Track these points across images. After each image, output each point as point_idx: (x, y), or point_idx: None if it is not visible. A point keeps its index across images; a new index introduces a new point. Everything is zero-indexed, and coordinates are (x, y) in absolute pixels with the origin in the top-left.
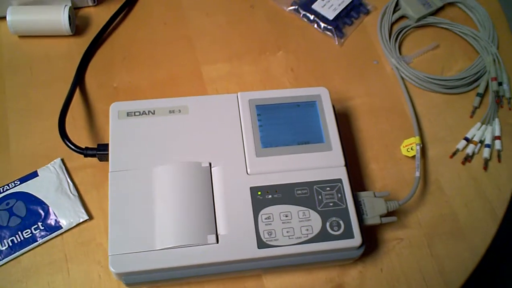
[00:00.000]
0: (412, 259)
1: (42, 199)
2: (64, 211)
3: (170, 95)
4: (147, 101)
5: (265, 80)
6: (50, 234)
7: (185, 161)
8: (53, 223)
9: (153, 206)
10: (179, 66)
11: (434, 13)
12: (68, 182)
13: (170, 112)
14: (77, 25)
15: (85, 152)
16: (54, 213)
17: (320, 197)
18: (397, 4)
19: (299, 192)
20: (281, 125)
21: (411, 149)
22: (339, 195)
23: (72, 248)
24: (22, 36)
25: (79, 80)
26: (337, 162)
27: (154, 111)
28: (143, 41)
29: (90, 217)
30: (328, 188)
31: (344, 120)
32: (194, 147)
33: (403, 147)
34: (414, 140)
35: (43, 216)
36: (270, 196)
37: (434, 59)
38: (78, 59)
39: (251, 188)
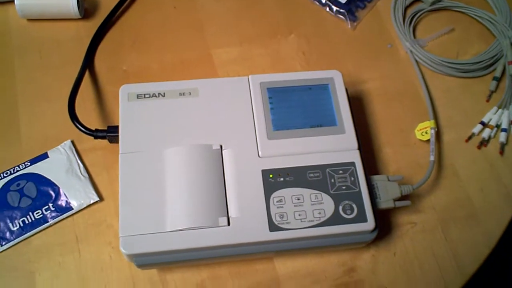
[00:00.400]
0: (426, 244)
1: (53, 180)
2: (75, 193)
3: (180, 79)
4: (157, 84)
5: (276, 63)
6: (61, 215)
7: (196, 143)
8: (63, 204)
9: (164, 188)
10: (189, 49)
11: None
12: (78, 163)
13: (180, 94)
14: (86, 8)
15: (95, 134)
16: (64, 194)
17: (332, 180)
18: None
19: (312, 175)
20: (293, 108)
21: (426, 133)
22: (352, 178)
23: (82, 229)
24: (31, 20)
25: (88, 63)
26: (350, 145)
27: (164, 93)
28: (152, 25)
29: (101, 198)
30: (341, 171)
31: (357, 104)
32: (204, 130)
33: (418, 130)
34: (429, 124)
35: (53, 197)
36: (282, 179)
37: (449, 42)
38: (87, 42)
39: (262, 171)
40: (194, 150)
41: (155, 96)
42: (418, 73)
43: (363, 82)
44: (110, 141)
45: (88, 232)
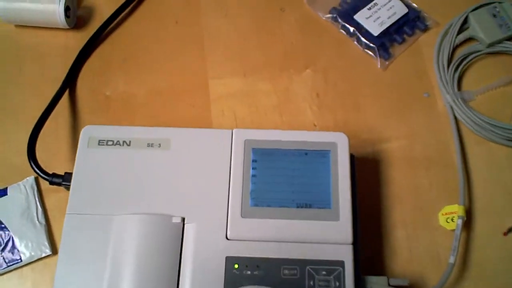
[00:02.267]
0: None
1: (5, 224)
2: (27, 242)
3: (167, 111)
4: (124, 129)
5: (283, 104)
6: (8, 266)
7: (154, 211)
8: (12, 255)
9: (106, 264)
10: (184, 75)
11: None
12: (37, 207)
13: (148, 145)
14: (80, 16)
15: (51, 179)
16: (14, 243)
17: (312, 282)
18: (465, 22)
19: (287, 272)
20: (280, 178)
21: (452, 220)
22: (337, 283)
23: (29, 285)
24: (19, 26)
25: (69, 84)
26: (343, 237)
27: (130, 142)
28: (148, 41)
29: (54, 251)
30: (324, 272)
31: (372, 168)
32: (169, 195)
33: (442, 214)
34: (457, 210)
35: (2, 245)
36: (249, 272)
37: (503, 98)
38: (73, 57)
39: (227, 258)
40: (148, 221)
41: (119, 144)
42: (455, 135)
43: (385, 140)
44: (67, 190)
45: None
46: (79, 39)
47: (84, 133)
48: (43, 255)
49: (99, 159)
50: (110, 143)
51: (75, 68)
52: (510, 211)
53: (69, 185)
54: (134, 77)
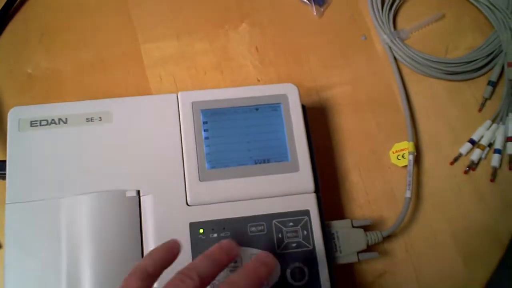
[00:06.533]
0: None
1: None
2: None
3: (99, 84)
4: (57, 105)
5: (223, 62)
6: None
7: (105, 189)
8: None
9: (61, 252)
10: (112, 44)
11: None
12: None
13: (87, 120)
14: None
15: None
16: None
17: (280, 235)
18: None
19: (254, 229)
20: (234, 137)
21: (402, 157)
22: (305, 232)
23: None
24: None
25: None
26: (305, 187)
27: (66, 119)
28: (67, 11)
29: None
30: (291, 223)
31: (320, 116)
32: (118, 169)
33: (393, 153)
34: (407, 146)
35: None
36: (215, 235)
37: (437, 34)
38: None
39: (191, 224)
40: (101, 199)
41: (55, 123)
42: (396, 74)
43: (329, 87)
44: (3, 179)
45: None
46: None
47: (12, 115)
48: None
49: (34, 141)
50: (44, 123)
51: None
52: (454, 143)
53: (4, 174)
54: (57, 52)
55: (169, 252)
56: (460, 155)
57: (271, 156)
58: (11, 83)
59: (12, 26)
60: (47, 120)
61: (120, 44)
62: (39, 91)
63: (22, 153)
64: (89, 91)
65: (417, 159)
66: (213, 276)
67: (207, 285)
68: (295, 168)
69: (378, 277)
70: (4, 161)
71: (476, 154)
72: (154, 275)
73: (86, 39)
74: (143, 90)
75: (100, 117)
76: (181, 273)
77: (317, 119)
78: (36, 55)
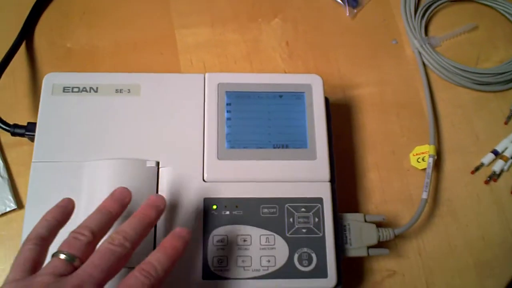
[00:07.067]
0: None
1: None
2: None
3: (133, 64)
4: (90, 75)
5: (252, 53)
6: None
7: (127, 157)
8: None
9: (78, 213)
10: (148, 27)
11: None
12: None
13: (117, 91)
14: None
15: (12, 130)
16: None
17: (291, 219)
18: None
19: (266, 211)
20: (255, 121)
21: (423, 159)
22: (317, 219)
23: None
24: None
25: (26, 36)
26: (321, 175)
27: (97, 88)
28: None
29: (19, 206)
30: (303, 209)
31: (345, 113)
32: (141, 140)
33: (413, 155)
34: (428, 150)
35: None
36: (227, 213)
37: (468, 44)
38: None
39: (205, 199)
40: (121, 166)
41: (86, 91)
42: (424, 80)
43: (355, 87)
44: (31, 140)
45: (0, 245)
46: None
47: (47, 80)
48: (8, 209)
49: (64, 106)
50: (76, 90)
51: (31, 21)
52: (476, 152)
53: (33, 136)
54: (97, 30)
55: (62, 212)
56: (482, 164)
57: (290, 142)
58: (51, 55)
59: (56, 3)
60: (79, 88)
61: (156, 28)
62: (76, 65)
63: (53, 116)
64: (122, 69)
65: (438, 164)
66: (108, 227)
67: (102, 237)
68: (312, 156)
69: (387, 276)
70: (34, 124)
71: (498, 165)
72: (48, 239)
73: (124, 21)
74: (174, 71)
75: (129, 89)
76: (74, 231)
77: (341, 116)
78: (77, 31)
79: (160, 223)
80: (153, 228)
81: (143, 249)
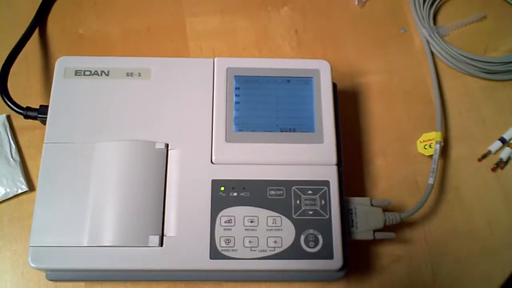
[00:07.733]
0: (410, 283)
1: None
2: (1, 178)
3: (143, 50)
4: (102, 59)
5: (262, 41)
6: None
7: (136, 139)
8: None
9: (89, 192)
10: (159, 14)
11: None
12: (10, 144)
13: (127, 75)
14: None
15: (25, 113)
16: None
17: (298, 201)
18: None
19: (273, 192)
20: (263, 105)
21: (430, 146)
22: (323, 202)
23: (6, 222)
24: None
25: (39, 23)
26: (328, 159)
27: (108, 71)
28: None
29: (31, 188)
30: (310, 192)
31: (353, 100)
32: (151, 122)
33: (420, 142)
34: (435, 136)
35: None
36: (235, 194)
37: (477, 34)
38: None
39: (213, 181)
40: (131, 147)
41: (97, 74)
42: (432, 69)
43: (363, 74)
44: (43, 123)
45: (12, 226)
46: None
47: (59, 63)
48: (19, 191)
49: (76, 89)
50: (87, 73)
51: (44, 8)
52: (484, 140)
53: (45, 118)
54: (108, 17)
55: None
56: (489, 152)
57: (297, 126)
58: (63, 41)
59: None
60: (90, 71)
61: (167, 15)
62: (87, 50)
63: (65, 98)
64: (132, 55)
65: (445, 151)
66: None
67: None
68: (319, 140)
69: (393, 261)
70: (46, 106)
71: (505, 152)
72: None
73: (135, 8)
74: (184, 56)
75: (139, 73)
76: None
77: (349, 102)
78: (88, 18)
79: (169, 203)
80: (162, 206)
81: (153, 225)
